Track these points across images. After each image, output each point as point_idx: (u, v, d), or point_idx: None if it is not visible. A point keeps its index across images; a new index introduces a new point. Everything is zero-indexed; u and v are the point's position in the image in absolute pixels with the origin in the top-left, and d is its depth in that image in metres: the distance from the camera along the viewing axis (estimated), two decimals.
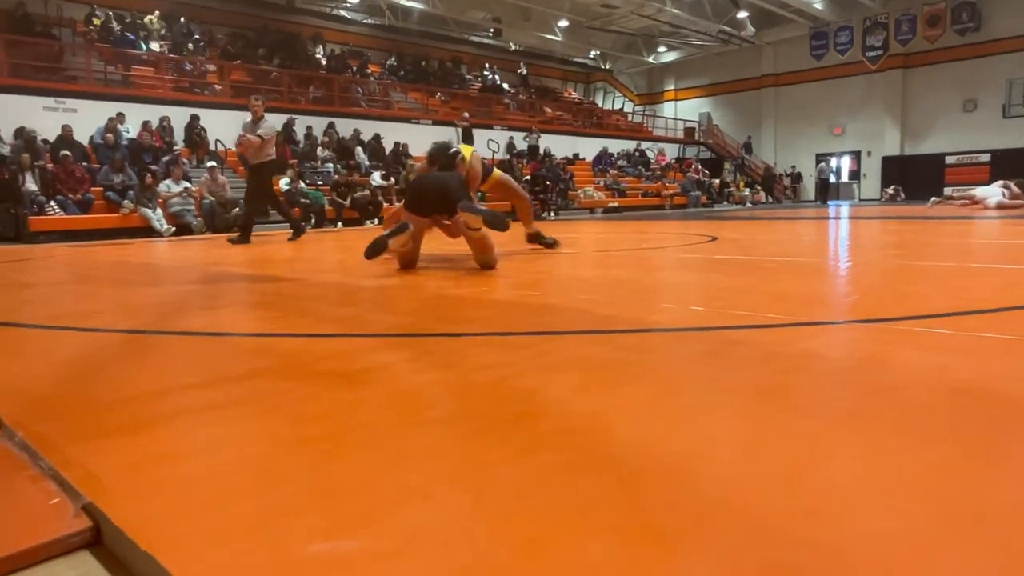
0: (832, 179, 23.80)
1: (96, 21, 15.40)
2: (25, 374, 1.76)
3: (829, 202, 21.96)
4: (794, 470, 0.98)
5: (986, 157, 21.04)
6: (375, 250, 3.83)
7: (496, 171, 5.29)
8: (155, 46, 16.01)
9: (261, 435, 1.22)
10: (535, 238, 5.37)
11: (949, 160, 22.10)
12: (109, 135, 11.92)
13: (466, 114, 18.17)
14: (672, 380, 1.53)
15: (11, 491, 1.03)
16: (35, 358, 2.02)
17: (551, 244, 5.36)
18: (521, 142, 19.39)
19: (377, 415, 1.31)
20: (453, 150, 4.52)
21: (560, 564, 0.75)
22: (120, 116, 12.63)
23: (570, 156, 20.95)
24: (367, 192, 13.59)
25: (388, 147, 16.32)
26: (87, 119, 12.33)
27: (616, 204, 18.89)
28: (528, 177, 16.36)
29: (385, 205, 12.67)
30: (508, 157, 18.23)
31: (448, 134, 17.67)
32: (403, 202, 4.37)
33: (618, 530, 0.81)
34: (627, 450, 1.08)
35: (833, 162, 24.34)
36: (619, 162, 22.74)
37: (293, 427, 1.25)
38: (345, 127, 16.06)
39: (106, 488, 0.98)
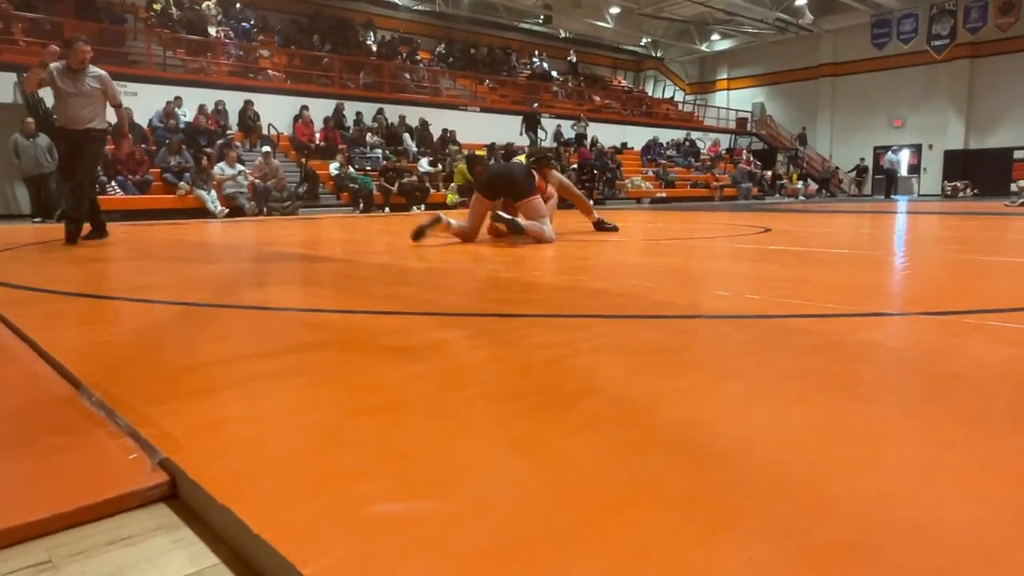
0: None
1: (156, 7, 15.82)
2: (98, 341, 1.83)
3: (893, 196, 21.10)
4: (863, 455, 0.96)
5: None
6: (418, 234, 4.72)
7: (555, 174, 5.79)
8: (212, 31, 16.37)
9: (325, 402, 1.25)
10: (599, 225, 6.05)
11: (1018, 155, 21.13)
12: (171, 121, 12.26)
13: (536, 104, 18.32)
14: (729, 365, 1.51)
15: (93, 445, 1.08)
16: (106, 327, 2.10)
17: (612, 229, 6.02)
18: (569, 130, 19.25)
19: (438, 388, 1.32)
20: (544, 157, 5.59)
21: (627, 536, 0.75)
22: (178, 100, 12.99)
23: (618, 145, 20.72)
24: (415, 178, 13.70)
25: (436, 134, 16.40)
26: (147, 102, 12.71)
27: (664, 194, 18.63)
28: (575, 165, 16.26)
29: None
30: (555, 145, 18.15)
31: (498, 121, 17.70)
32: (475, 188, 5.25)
33: (685, 506, 0.81)
34: (688, 430, 1.07)
35: (891, 155, 23.50)
36: (668, 152, 22.41)
37: (355, 396, 1.28)
38: (394, 113, 16.20)
39: (181, 446, 1.02)
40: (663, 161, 21.03)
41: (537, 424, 1.10)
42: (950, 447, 0.99)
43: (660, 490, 0.86)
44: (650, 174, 19.81)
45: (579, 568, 0.68)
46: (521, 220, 4.72)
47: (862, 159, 24.48)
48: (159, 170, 11.36)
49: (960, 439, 1.02)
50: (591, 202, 6.66)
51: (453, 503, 0.82)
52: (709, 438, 1.03)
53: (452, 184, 14.32)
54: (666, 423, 1.10)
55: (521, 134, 17.53)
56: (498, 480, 0.89)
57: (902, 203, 15.52)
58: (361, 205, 12.59)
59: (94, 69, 5.32)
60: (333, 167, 13.20)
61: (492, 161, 14.44)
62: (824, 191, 23.56)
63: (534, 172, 5.07)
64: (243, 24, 17.18)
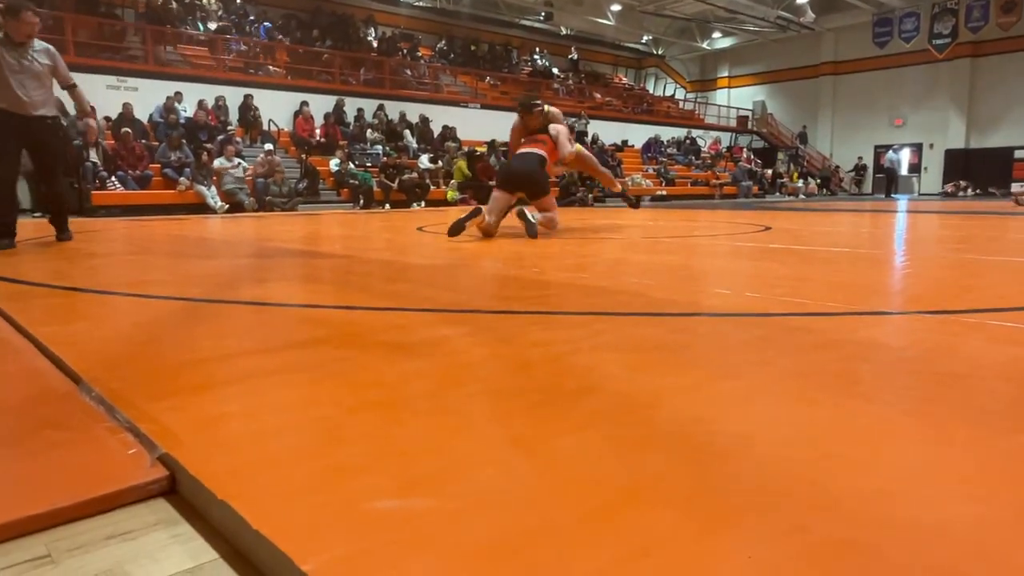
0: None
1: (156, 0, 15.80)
2: (98, 336, 1.83)
3: (893, 195, 21.09)
4: (863, 453, 0.96)
5: None
6: (456, 229, 4.86)
7: (577, 146, 5.94)
8: (212, 26, 16.35)
9: (325, 399, 1.24)
10: (624, 196, 6.85)
11: (1019, 154, 21.11)
12: (172, 116, 12.24)
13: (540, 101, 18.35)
14: (730, 363, 1.51)
15: (92, 440, 1.08)
16: (105, 322, 2.10)
17: (634, 204, 6.80)
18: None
19: (438, 385, 1.32)
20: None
21: (628, 533, 0.74)
22: (178, 95, 12.98)
23: (619, 143, 20.71)
24: (415, 175, 13.69)
25: (436, 130, 16.39)
26: (147, 98, 12.71)
27: (664, 192, 18.63)
28: None
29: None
30: None
31: (498, 118, 17.65)
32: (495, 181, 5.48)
33: (684, 504, 0.81)
34: (688, 428, 1.07)
35: (892, 154, 23.48)
36: (669, 150, 22.39)
37: (355, 392, 1.27)
38: (394, 109, 16.19)
39: (180, 441, 1.02)
40: (664, 159, 21.02)
41: (537, 421, 1.10)
42: (950, 446, 0.99)
43: (660, 488, 0.85)
44: (651, 172, 19.80)
45: (579, 566, 0.68)
46: (535, 213, 5.02)
47: (860, 158, 24.47)
48: (159, 165, 11.35)
49: (960, 438, 1.02)
50: (610, 174, 6.89)
51: (453, 500, 0.82)
52: (709, 436, 1.03)
53: (452, 181, 14.31)
54: (666, 421, 1.10)
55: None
56: (498, 477, 0.89)
57: (902, 202, 15.51)
58: (361, 201, 12.58)
59: (40, 43, 4.52)
60: (333, 163, 13.19)
61: (493, 158, 14.44)
62: (825, 189, 23.55)
63: (546, 157, 5.31)
64: (263, 23, 17.13)
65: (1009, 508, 0.80)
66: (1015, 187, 19.80)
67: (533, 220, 4.88)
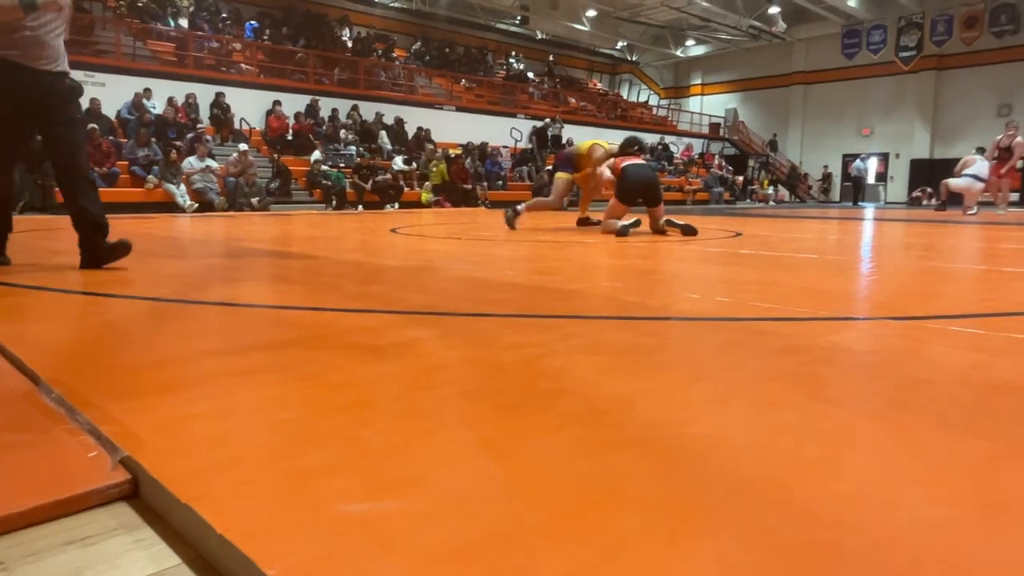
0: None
1: None
2: (60, 336, 1.78)
3: (860, 203, 21.50)
4: (830, 456, 0.97)
5: (1021, 163, 20.60)
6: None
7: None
8: (183, 23, 16.09)
9: (292, 400, 1.23)
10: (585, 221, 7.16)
11: None
12: (141, 112, 12.00)
13: (551, 120, 18.66)
14: (700, 366, 1.52)
15: (51, 443, 1.05)
16: (68, 322, 2.05)
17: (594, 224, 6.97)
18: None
19: (408, 387, 1.31)
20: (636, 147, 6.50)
21: (598, 534, 0.74)
22: (147, 91, 12.74)
23: None
24: (388, 176, 13.61)
25: (411, 132, 16.32)
26: (115, 93, 12.45)
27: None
28: (549, 167, 16.27)
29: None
30: (530, 146, 18.16)
31: (473, 121, 17.66)
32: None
33: (654, 505, 0.81)
34: (658, 431, 1.07)
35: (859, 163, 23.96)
36: (643, 156, 22.54)
37: (324, 394, 1.26)
38: (369, 110, 16.08)
39: (143, 443, 0.99)
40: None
41: (508, 424, 1.10)
42: (913, 449, 1.01)
43: (630, 490, 0.86)
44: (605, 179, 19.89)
45: (548, 567, 0.68)
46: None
47: (826, 167, 24.95)
48: (127, 163, 11.13)
49: (922, 441, 1.04)
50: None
51: (421, 502, 0.81)
52: (679, 438, 1.04)
53: (427, 183, 14.26)
54: (636, 423, 1.11)
55: (532, 150, 17.54)
56: (467, 480, 0.88)
57: (869, 210, 15.83)
58: (334, 202, 12.47)
59: None
60: (315, 155, 13.07)
61: (469, 161, 14.39)
62: (794, 196, 23.95)
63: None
64: (249, 22, 16.87)
65: (968, 509, 0.81)
66: (916, 192, 20.55)
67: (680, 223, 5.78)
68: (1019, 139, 11.91)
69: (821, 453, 0.99)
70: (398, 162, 14.56)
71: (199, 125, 13.09)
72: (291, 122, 14.44)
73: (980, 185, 11.63)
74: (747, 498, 0.83)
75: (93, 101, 11.72)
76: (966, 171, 11.84)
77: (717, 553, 0.71)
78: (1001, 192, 12.37)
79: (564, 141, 18.87)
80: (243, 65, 15.69)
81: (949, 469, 0.94)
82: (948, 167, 22.05)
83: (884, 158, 24.29)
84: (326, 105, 15.40)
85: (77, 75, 12.78)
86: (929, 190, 21.30)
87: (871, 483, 0.88)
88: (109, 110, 12.06)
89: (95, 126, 10.97)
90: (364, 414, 1.15)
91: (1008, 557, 0.72)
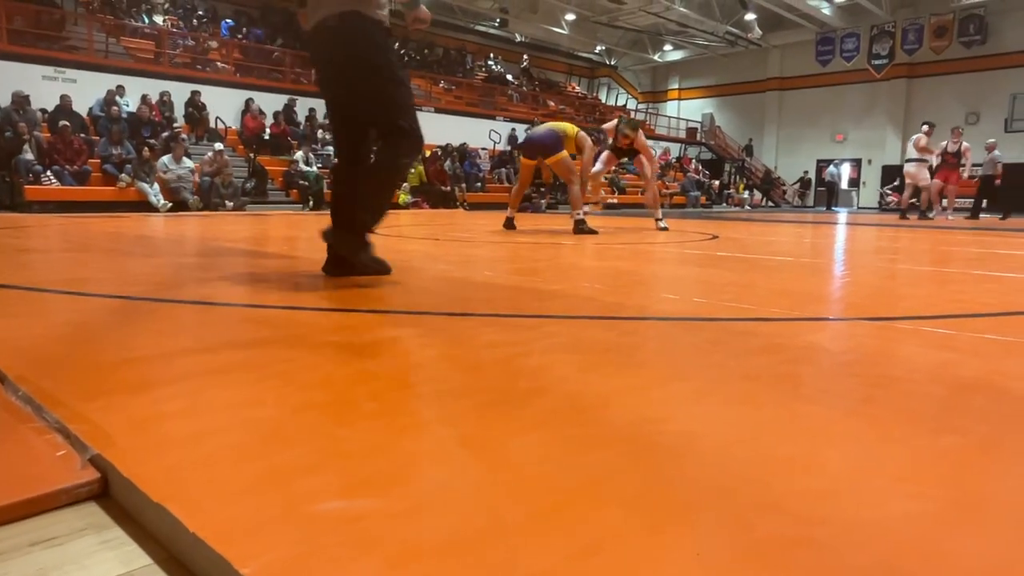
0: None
1: None
2: (27, 334, 1.74)
3: (834, 207, 21.84)
4: (807, 453, 0.98)
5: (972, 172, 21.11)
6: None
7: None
8: (159, 20, 15.87)
9: (268, 399, 1.21)
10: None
11: None
12: (113, 109, 11.79)
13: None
14: (678, 365, 1.53)
15: (17, 442, 1.02)
16: (36, 320, 2.00)
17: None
18: (523, 134, 19.32)
19: (386, 385, 1.30)
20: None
21: (578, 531, 0.74)
22: (120, 89, 12.53)
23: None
24: None
25: None
26: (87, 90, 12.23)
27: (615, 200, 18.86)
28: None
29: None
30: (509, 148, 18.18)
31: (452, 123, 17.63)
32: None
33: (634, 502, 0.81)
34: (637, 428, 1.07)
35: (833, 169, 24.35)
36: (621, 159, 22.69)
37: (300, 393, 1.24)
38: None
39: (113, 442, 0.97)
40: (615, 168, 21.28)
41: (487, 422, 1.09)
42: (887, 445, 1.02)
43: (609, 486, 0.85)
44: (603, 180, 20.01)
45: (528, 564, 0.67)
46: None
47: (805, 172, 25.28)
48: (99, 161, 10.93)
49: (896, 438, 1.05)
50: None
51: (400, 501, 0.81)
52: (658, 436, 1.04)
53: (405, 184, 14.20)
54: (616, 421, 1.11)
55: (511, 152, 17.58)
56: (446, 477, 0.88)
57: (842, 214, 16.08)
58: (311, 203, 12.37)
59: None
60: (299, 154, 12.99)
61: (449, 162, 14.36)
62: (769, 201, 24.24)
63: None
64: (224, 20, 16.65)
65: (942, 504, 0.82)
66: (885, 189, 20.91)
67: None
68: (966, 144, 12.26)
69: (798, 449, 0.99)
70: None
71: (175, 124, 12.90)
72: (268, 121, 14.30)
73: (926, 174, 11.90)
74: (726, 493, 0.84)
75: (63, 98, 11.51)
76: (911, 156, 12.17)
77: (697, 548, 0.71)
78: (948, 198, 12.69)
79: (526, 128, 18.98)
80: (219, 64, 15.51)
81: (922, 464, 0.95)
82: None
83: (857, 164, 24.71)
84: (303, 105, 15.27)
85: (46, 71, 12.51)
86: (895, 185, 21.78)
87: (847, 478, 0.89)
88: (80, 107, 11.84)
89: (67, 123, 10.77)
90: (342, 412, 1.14)
91: (980, 548, 0.73)
